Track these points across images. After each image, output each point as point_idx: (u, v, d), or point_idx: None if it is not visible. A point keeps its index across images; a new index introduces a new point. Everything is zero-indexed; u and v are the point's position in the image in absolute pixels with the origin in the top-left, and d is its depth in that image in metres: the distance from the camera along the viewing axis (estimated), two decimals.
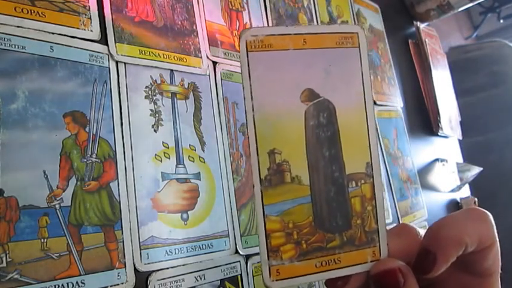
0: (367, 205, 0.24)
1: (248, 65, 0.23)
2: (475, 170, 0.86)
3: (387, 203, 0.61)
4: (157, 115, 0.36)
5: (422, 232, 0.25)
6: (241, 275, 0.38)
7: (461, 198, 0.86)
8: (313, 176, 0.23)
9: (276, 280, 0.22)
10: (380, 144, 0.64)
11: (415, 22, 0.87)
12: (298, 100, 0.23)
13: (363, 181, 0.24)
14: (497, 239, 0.24)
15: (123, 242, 0.31)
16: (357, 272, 0.23)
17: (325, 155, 0.24)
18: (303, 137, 0.23)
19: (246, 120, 0.22)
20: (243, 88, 0.23)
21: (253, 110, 0.23)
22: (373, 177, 0.24)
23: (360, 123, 0.24)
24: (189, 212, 0.36)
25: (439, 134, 0.82)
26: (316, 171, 0.23)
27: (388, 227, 0.25)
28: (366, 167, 0.24)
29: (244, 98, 0.23)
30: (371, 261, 0.24)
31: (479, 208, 0.25)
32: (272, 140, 0.23)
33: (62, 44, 0.32)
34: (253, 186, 0.23)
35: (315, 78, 0.24)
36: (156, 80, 0.37)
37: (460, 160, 0.92)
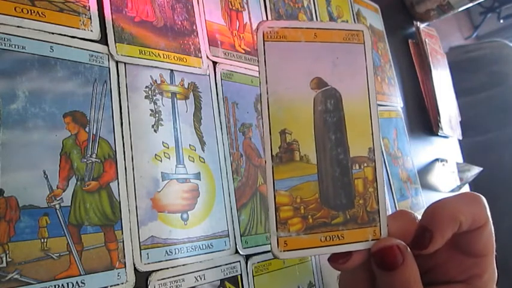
0: (369, 187, 0.26)
1: (264, 53, 0.25)
2: (475, 170, 0.85)
3: (387, 203, 0.61)
4: (157, 115, 0.36)
5: (418, 217, 0.27)
6: (241, 275, 0.38)
7: None
8: (320, 156, 0.25)
9: (284, 251, 0.24)
10: (380, 143, 0.64)
11: (415, 22, 0.87)
12: (308, 87, 0.25)
13: (365, 164, 0.26)
14: (491, 220, 0.25)
15: (123, 242, 0.31)
16: (359, 249, 0.25)
17: (332, 138, 0.25)
18: (312, 120, 0.25)
19: (261, 102, 0.25)
20: (259, 73, 0.25)
21: (267, 93, 0.25)
22: (375, 161, 0.26)
23: (364, 111, 0.26)
24: (189, 212, 0.36)
25: (439, 134, 0.82)
26: (323, 152, 0.25)
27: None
28: (369, 151, 0.26)
29: (260, 82, 0.25)
30: (372, 240, 0.25)
31: (472, 192, 0.27)
32: (283, 120, 0.25)
33: (62, 44, 0.32)
34: (265, 162, 0.24)
35: (323, 68, 0.26)
36: (156, 80, 0.37)
37: (460, 160, 0.92)
